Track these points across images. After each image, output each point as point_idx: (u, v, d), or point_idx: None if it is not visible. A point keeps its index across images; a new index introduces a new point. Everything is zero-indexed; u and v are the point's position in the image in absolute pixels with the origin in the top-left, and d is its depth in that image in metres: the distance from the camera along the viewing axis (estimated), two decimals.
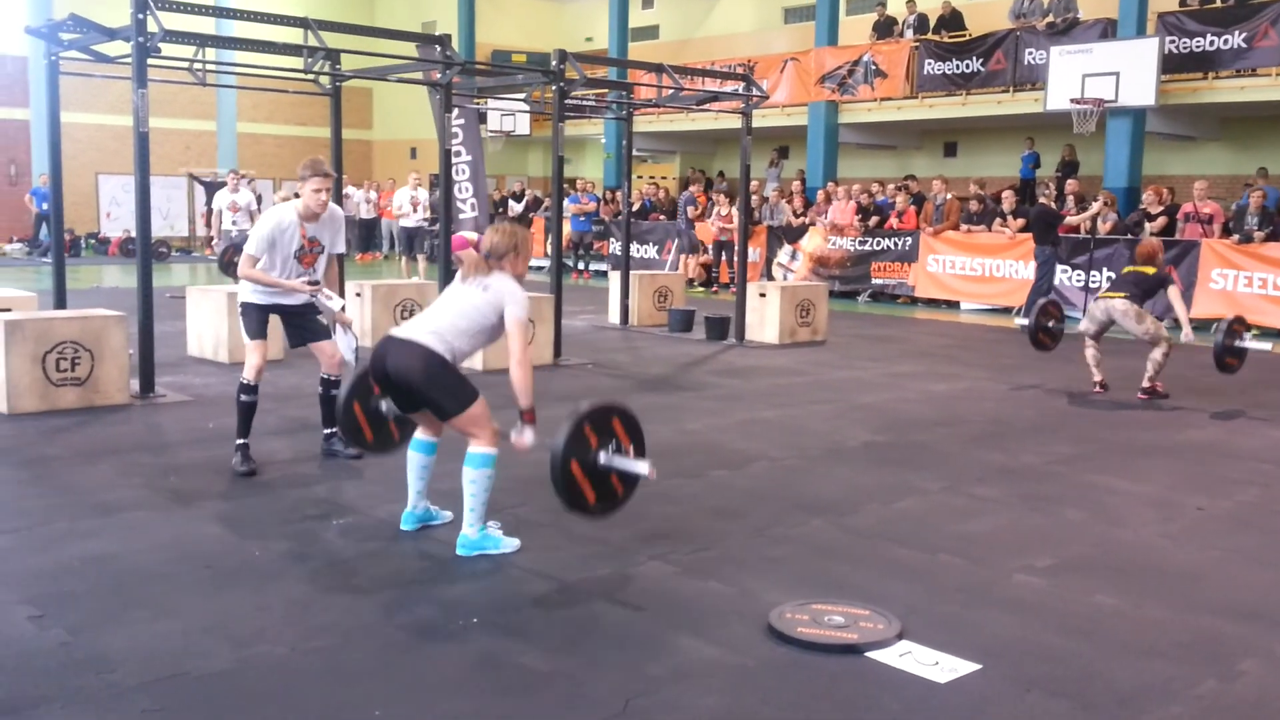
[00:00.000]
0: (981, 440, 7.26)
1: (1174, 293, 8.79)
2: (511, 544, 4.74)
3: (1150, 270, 8.79)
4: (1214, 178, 16.64)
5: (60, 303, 9.31)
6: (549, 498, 5.56)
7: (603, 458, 4.38)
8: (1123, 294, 8.66)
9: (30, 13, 21.99)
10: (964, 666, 3.61)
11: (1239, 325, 9.01)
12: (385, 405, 4.96)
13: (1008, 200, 15.93)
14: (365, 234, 23.79)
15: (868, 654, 3.69)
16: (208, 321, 9.82)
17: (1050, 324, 9.43)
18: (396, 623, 3.94)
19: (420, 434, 4.85)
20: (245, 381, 5.92)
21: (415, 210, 16.23)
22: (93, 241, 24.96)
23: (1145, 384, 8.74)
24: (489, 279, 4.67)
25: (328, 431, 6.37)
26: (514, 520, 5.13)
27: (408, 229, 16.51)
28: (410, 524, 4.96)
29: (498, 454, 4.59)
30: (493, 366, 8.85)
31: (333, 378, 6.19)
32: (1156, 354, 8.65)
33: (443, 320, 4.61)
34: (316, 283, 6.05)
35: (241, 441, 5.97)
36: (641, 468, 4.42)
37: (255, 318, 6.06)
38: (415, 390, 4.52)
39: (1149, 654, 3.79)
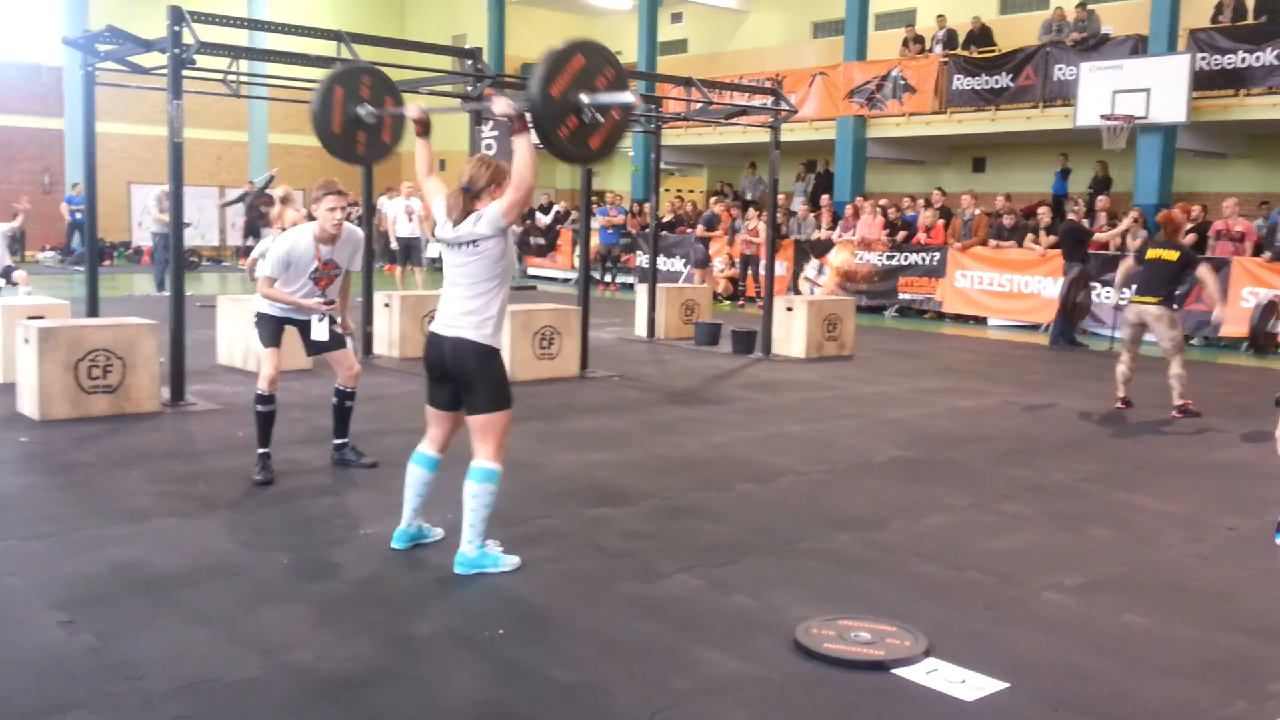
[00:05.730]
0: (1010, 457, 7.21)
1: (1205, 271, 8.68)
2: (511, 562, 4.63)
3: (1173, 256, 8.65)
4: (1244, 195, 16.50)
5: (93, 310, 9.40)
6: (576, 509, 5.60)
7: (585, 98, 4.14)
8: (1156, 299, 8.62)
9: (67, 24, 22.27)
10: (991, 685, 3.59)
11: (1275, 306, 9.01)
12: (364, 111, 4.90)
13: (1044, 216, 15.83)
14: (393, 246, 23.81)
15: (894, 671, 3.67)
16: (238, 330, 9.89)
17: (1080, 297, 9.28)
18: (423, 633, 3.95)
19: (424, 448, 4.74)
20: (260, 392, 5.98)
21: (410, 220, 16.34)
22: (127, 252, 25.20)
23: (1178, 402, 8.67)
24: (475, 226, 4.42)
25: (338, 442, 6.42)
26: (541, 531, 5.15)
27: (403, 239, 16.61)
28: (402, 542, 4.84)
29: (501, 471, 4.55)
30: (517, 377, 8.90)
31: (348, 389, 6.26)
32: (1175, 368, 8.65)
33: (472, 293, 4.48)
34: (332, 302, 6.14)
35: (262, 451, 6.01)
36: (626, 97, 4.17)
37: (269, 328, 6.17)
38: (468, 378, 4.47)
39: (1179, 674, 3.76)
